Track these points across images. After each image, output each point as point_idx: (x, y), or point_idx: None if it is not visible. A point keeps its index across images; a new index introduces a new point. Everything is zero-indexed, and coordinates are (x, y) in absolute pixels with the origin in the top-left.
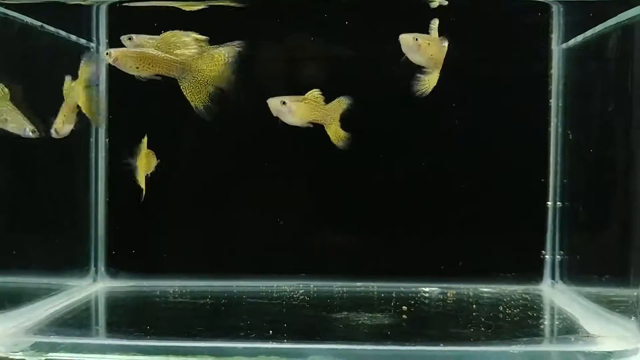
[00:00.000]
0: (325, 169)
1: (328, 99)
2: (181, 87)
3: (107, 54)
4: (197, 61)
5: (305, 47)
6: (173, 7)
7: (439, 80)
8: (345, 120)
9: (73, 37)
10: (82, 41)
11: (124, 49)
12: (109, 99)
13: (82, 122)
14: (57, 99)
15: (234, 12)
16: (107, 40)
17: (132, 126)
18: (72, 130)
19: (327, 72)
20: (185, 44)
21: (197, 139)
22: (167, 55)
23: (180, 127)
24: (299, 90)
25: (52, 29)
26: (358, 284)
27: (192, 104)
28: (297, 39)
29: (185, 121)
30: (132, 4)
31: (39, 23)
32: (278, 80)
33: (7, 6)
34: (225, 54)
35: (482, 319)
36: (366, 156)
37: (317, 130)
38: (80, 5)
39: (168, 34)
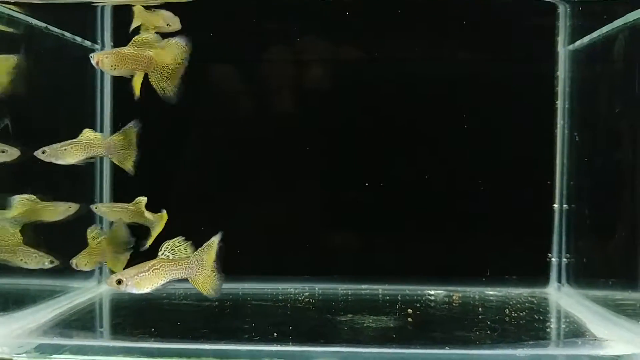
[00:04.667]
0: (331, 170)
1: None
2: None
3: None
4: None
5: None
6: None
7: None
8: (353, 122)
9: (78, 39)
10: (87, 43)
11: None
12: (114, 105)
13: (84, 117)
14: (62, 102)
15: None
16: (112, 43)
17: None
18: None
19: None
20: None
21: (201, 140)
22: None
23: (184, 129)
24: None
25: (57, 30)
26: (363, 286)
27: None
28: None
29: (188, 123)
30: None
31: (43, 24)
32: (281, 81)
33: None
34: (180, 44)
35: (488, 322)
36: (371, 158)
37: (322, 132)
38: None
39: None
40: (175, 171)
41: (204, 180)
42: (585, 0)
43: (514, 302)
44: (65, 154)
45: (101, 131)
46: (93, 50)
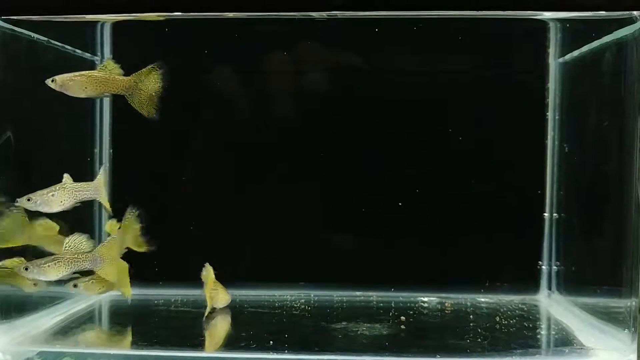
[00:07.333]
0: (326, 178)
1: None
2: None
3: (52, 80)
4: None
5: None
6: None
7: None
8: (350, 130)
9: (78, 52)
10: (87, 55)
11: (69, 74)
12: (112, 109)
13: (84, 134)
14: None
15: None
16: (111, 55)
17: (135, 136)
18: None
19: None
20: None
21: (198, 148)
22: (113, 75)
23: (181, 136)
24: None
25: (58, 44)
26: (357, 293)
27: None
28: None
29: (185, 130)
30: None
31: (45, 38)
32: (278, 89)
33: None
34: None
35: (479, 330)
36: (367, 167)
37: (318, 140)
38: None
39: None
40: (174, 177)
41: (202, 187)
42: (575, 18)
43: (505, 309)
44: None
45: (100, 139)
46: (94, 62)
